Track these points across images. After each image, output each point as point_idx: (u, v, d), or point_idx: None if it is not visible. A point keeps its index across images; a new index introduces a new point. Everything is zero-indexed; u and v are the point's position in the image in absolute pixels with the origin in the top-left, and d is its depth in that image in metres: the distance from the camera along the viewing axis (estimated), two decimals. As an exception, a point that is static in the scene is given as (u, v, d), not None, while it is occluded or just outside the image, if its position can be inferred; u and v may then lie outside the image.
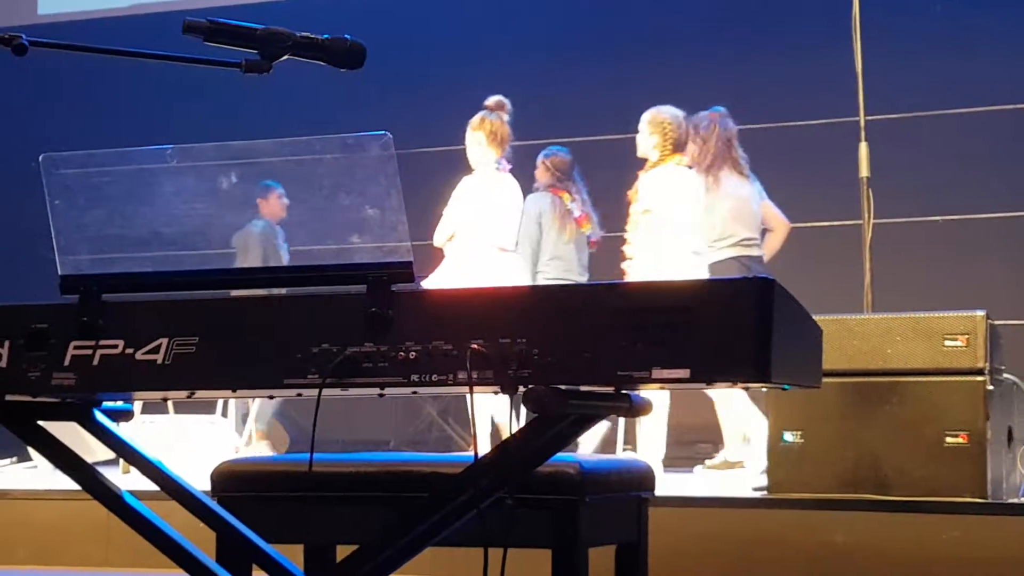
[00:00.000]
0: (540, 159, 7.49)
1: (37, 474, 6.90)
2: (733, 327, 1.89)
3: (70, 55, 2.43)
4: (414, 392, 2.07)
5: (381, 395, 2.11)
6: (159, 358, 2.11)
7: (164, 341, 2.11)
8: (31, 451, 6.11)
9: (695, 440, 7.54)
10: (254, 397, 5.96)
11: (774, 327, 1.90)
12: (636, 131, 6.60)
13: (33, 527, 5.46)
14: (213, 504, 2.42)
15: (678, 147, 6.56)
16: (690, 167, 6.76)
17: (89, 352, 2.14)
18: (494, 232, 6.68)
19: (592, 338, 1.94)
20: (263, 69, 2.31)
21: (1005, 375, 4.92)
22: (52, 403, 2.33)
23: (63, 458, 2.39)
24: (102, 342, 2.14)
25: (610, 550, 2.66)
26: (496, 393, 2.03)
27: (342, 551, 2.39)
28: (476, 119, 6.80)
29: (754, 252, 6.98)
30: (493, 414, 6.29)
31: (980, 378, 4.61)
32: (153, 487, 2.38)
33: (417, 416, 9.38)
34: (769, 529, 4.65)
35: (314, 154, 2.14)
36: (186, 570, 2.35)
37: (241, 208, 2.24)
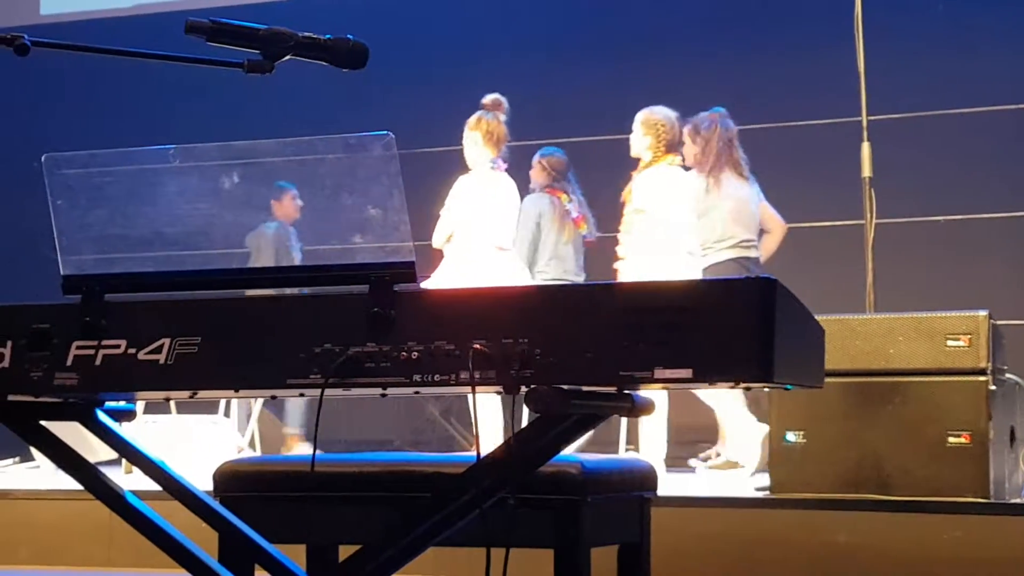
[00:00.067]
0: (536, 159, 7.50)
1: (39, 474, 6.90)
2: (735, 327, 1.89)
3: (72, 55, 2.43)
4: (416, 392, 2.07)
5: (383, 395, 2.11)
6: (161, 358, 2.11)
7: (166, 341, 2.11)
8: (33, 451, 6.10)
9: (695, 440, 7.53)
10: (256, 397, 5.96)
11: (776, 327, 1.90)
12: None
13: (35, 527, 5.46)
14: (215, 504, 2.42)
15: (671, 148, 6.57)
16: (690, 168, 6.76)
17: (91, 352, 2.14)
18: (492, 231, 6.68)
19: (594, 338, 1.94)
20: (265, 69, 2.32)
21: (1007, 375, 4.92)
22: (54, 403, 2.33)
23: (65, 458, 2.39)
24: (104, 342, 2.14)
25: (612, 550, 2.66)
26: (498, 393, 2.03)
27: (344, 551, 2.39)
28: (473, 119, 6.80)
29: (752, 254, 6.99)
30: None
31: (982, 378, 4.60)
32: (155, 487, 2.38)
33: (419, 416, 9.38)
34: (771, 529, 4.65)
35: (316, 154, 2.13)
36: (188, 570, 2.35)
37: (243, 208, 2.23)
